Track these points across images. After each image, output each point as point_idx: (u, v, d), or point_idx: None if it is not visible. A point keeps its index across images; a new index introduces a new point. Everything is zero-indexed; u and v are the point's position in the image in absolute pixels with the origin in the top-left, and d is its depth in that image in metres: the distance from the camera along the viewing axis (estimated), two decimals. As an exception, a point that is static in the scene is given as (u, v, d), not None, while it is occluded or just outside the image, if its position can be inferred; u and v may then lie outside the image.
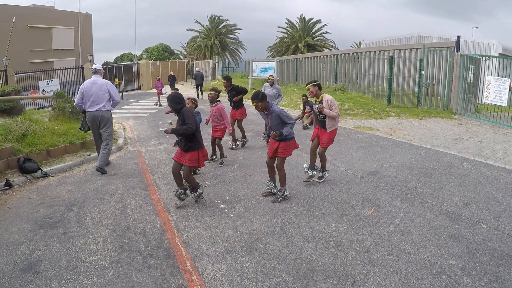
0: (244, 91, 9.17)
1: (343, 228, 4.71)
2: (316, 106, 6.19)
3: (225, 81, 9.08)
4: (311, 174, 6.38)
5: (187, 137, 5.28)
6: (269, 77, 9.72)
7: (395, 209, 5.28)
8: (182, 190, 5.48)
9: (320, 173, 6.51)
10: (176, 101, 5.35)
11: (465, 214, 5.07)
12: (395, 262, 3.92)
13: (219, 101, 7.77)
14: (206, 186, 5.95)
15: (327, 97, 6.17)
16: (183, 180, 5.52)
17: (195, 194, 5.52)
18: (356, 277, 3.67)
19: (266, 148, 8.90)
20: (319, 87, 6.18)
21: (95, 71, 7.37)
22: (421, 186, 6.22)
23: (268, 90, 9.25)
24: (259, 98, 5.48)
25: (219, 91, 7.80)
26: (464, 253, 4.06)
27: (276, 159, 5.66)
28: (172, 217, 5.14)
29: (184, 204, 5.52)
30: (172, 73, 22.95)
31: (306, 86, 6.27)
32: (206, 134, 8.72)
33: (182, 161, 5.37)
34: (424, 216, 5.02)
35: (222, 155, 7.70)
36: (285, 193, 5.68)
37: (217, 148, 7.84)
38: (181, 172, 5.47)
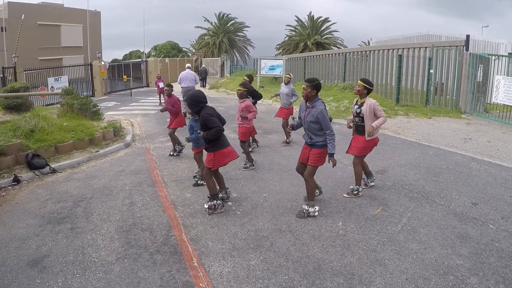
0: (258, 96, 8.72)
1: (350, 227, 4.70)
2: (356, 107, 5.54)
3: (248, 79, 8.72)
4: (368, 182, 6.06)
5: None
6: (286, 75, 9.21)
7: (403, 208, 5.25)
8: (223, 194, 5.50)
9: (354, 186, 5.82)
10: (197, 101, 5.00)
11: (473, 214, 5.02)
12: (402, 261, 3.90)
13: (249, 97, 7.33)
14: (229, 202, 5.50)
15: (369, 101, 5.42)
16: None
17: (209, 203, 5.16)
18: (362, 276, 3.66)
19: (274, 146, 8.93)
20: (366, 88, 5.40)
21: (188, 67, 14.08)
22: (429, 185, 6.17)
23: (282, 88, 9.09)
24: (314, 85, 4.90)
25: (248, 88, 7.24)
26: (472, 254, 4.03)
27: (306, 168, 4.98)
28: (179, 213, 5.15)
29: (192, 202, 5.53)
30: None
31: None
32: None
33: (205, 162, 5.23)
34: (432, 216, 4.98)
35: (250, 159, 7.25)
36: (311, 209, 4.98)
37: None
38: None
